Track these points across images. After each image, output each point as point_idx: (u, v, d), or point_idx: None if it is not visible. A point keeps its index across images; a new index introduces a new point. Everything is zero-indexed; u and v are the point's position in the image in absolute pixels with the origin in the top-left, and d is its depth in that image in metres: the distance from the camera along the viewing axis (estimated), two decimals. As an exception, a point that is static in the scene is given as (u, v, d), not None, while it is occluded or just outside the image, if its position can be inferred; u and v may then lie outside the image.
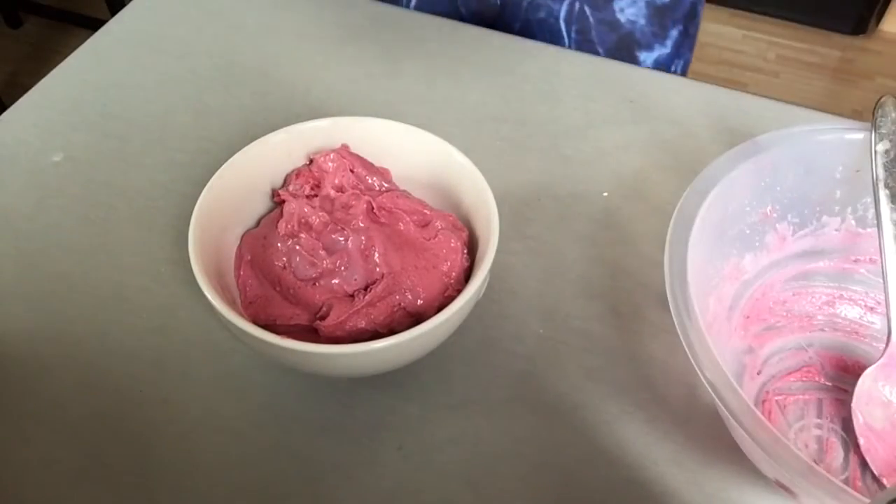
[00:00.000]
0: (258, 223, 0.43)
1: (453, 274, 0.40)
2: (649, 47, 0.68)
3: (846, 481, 0.39)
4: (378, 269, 0.39)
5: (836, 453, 0.40)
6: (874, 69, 1.88)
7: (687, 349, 0.34)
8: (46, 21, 1.90)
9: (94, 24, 1.17)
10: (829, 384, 0.42)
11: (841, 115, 0.54)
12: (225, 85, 0.57)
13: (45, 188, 0.50)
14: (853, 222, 0.44)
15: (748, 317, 0.43)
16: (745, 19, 1.97)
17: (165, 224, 0.48)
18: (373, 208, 0.41)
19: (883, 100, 0.42)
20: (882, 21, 1.94)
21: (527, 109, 0.56)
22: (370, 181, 0.43)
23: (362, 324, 0.38)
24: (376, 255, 0.39)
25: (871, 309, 0.44)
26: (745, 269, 0.43)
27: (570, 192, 0.51)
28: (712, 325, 0.40)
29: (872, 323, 0.44)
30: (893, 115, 0.41)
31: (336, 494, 0.38)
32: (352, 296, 0.39)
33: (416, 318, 0.39)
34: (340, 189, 0.42)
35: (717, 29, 1.96)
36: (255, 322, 0.38)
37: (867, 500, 0.28)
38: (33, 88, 0.56)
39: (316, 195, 0.42)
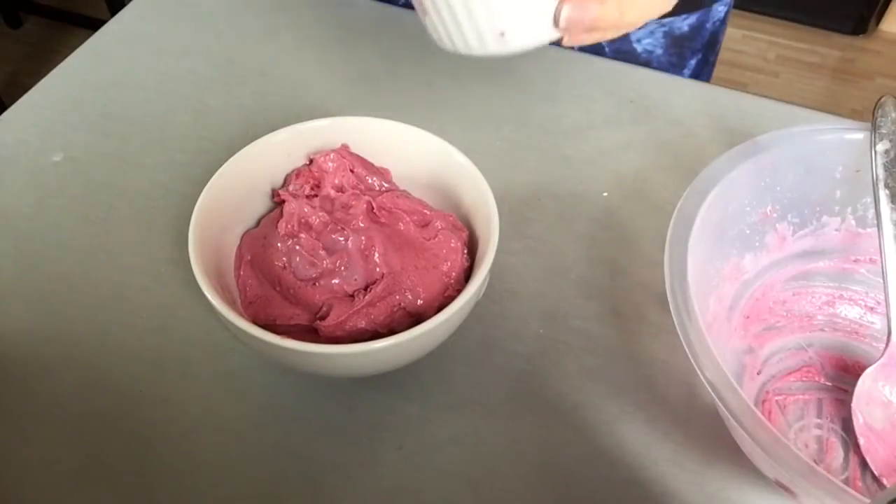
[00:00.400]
0: (258, 223, 0.43)
1: (453, 274, 0.40)
2: None
3: (846, 481, 0.39)
4: (378, 269, 0.39)
5: (836, 453, 0.40)
6: (874, 69, 1.88)
7: (687, 349, 0.34)
8: (46, 21, 1.90)
9: (94, 24, 1.16)
10: (829, 384, 0.42)
11: (841, 115, 0.54)
12: (225, 85, 0.57)
13: (45, 188, 0.50)
14: (853, 222, 0.44)
15: (748, 317, 0.43)
16: (745, 19, 1.97)
17: (165, 224, 0.48)
18: (373, 208, 0.41)
19: (883, 100, 0.42)
20: (882, 21, 1.94)
21: (527, 109, 0.56)
22: (370, 181, 0.43)
23: (362, 324, 0.38)
24: (376, 255, 0.39)
25: (871, 309, 0.44)
26: (745, 269, 0.43)
27: (570, 192, 0.51)
28: (712, 325, 0.40)
29: (872, 323, 0.44)
30: (893, 115, 0.41)
31: (336, 494, 0.38)
32: (352, 296, 0.39)
33: (416, 318, 0.39)
34: (340, 189, 0.42)
35: (717, 29, 1.95)
36: (255, 322, 0.38)
37: (867, 500, 0.28)
38: (33, 88, 0.56)
39: (316, 195, 0.42)
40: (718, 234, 0.41)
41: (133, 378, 0.41)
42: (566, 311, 0.45)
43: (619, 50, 0.63)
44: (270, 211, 0.44)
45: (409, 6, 0.69)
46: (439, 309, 0.36)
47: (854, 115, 1.44)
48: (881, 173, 0.40)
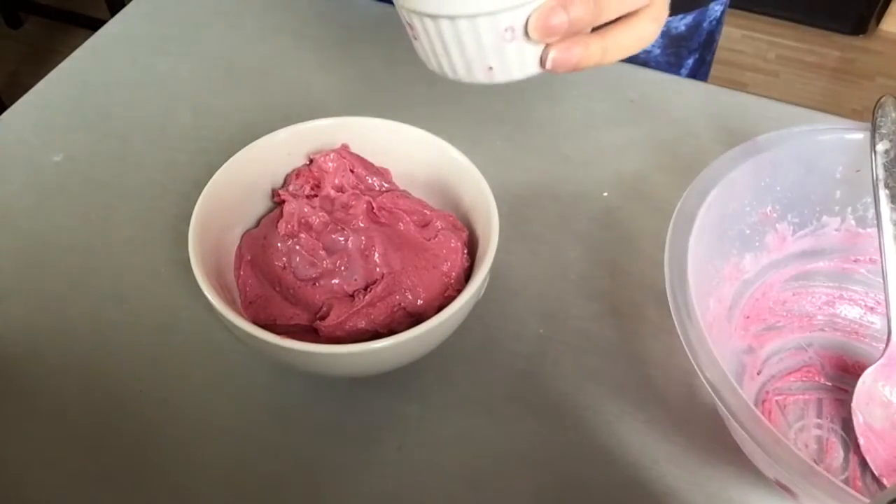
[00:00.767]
0: (258, 223, 0.43)
1: (453, 274, 0.40)
2: None
3: (846, 481, 0.39)
4: (378, 269, 0.39)
5: (836, 453, 0.40)
6: (874, 69, 1.88)
7: (687, 349, 0.34)
8: (46, 21, 1.90)
9: (94, 24, 1.17)
10: (829, 384, 0.42)
11: (841, 115, 0.54)
12: (225, 85, 0.57)
13: (45, 188, 0.50)
14: (853, 222, 0.44)
15: (748, 317, 0.43)
16: (744, 19, 1.97)
17: (165, 224, 0.48)
18: (373, 208, 0.41)
19: (883, 100, 0.42)
20: (882, 21, 1.94)
21: (527, 109, 0.56)
22: (370, 181, 0.43)
23: (362, 324, 0.38)
24: (376, 255, 0.39)
25: (871, 309, 0.44)
26: (745, 269, 0.43)
27: (570, 192, 0.51)
28: (712, 325, 0.40)
29: (872, 323, 0.44)
30: (893, 115, 0.41)
31: (336, 494, 0.38)
32: (352, 296, 0.39)
33: (416, 318, 0.39)
34: (340, 189, 0.42)
35: (717, 29, 1.96)
36: (255, 322, 0.38)
37: (867, 500, 0.28)
38: (33, 88, 0.56)
39: (316, 195, 0.42)
40: (718, 234, 0.41)
41: (133, 378, 0.41)
42: (566, 311, 0.45)
43: None
44: (270, 211, 0.44)
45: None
46: (439, 309, 0.36)
47: (854, 115, 1.43)
48: (881, 173, 0.40)
